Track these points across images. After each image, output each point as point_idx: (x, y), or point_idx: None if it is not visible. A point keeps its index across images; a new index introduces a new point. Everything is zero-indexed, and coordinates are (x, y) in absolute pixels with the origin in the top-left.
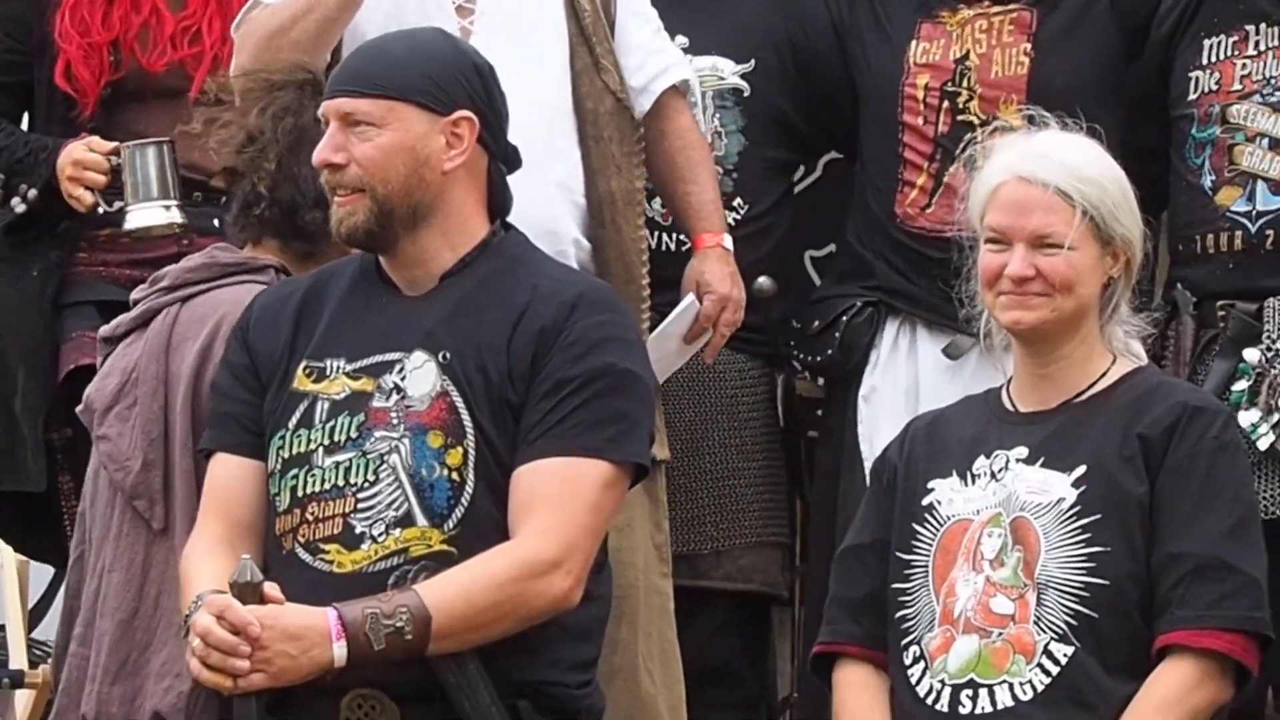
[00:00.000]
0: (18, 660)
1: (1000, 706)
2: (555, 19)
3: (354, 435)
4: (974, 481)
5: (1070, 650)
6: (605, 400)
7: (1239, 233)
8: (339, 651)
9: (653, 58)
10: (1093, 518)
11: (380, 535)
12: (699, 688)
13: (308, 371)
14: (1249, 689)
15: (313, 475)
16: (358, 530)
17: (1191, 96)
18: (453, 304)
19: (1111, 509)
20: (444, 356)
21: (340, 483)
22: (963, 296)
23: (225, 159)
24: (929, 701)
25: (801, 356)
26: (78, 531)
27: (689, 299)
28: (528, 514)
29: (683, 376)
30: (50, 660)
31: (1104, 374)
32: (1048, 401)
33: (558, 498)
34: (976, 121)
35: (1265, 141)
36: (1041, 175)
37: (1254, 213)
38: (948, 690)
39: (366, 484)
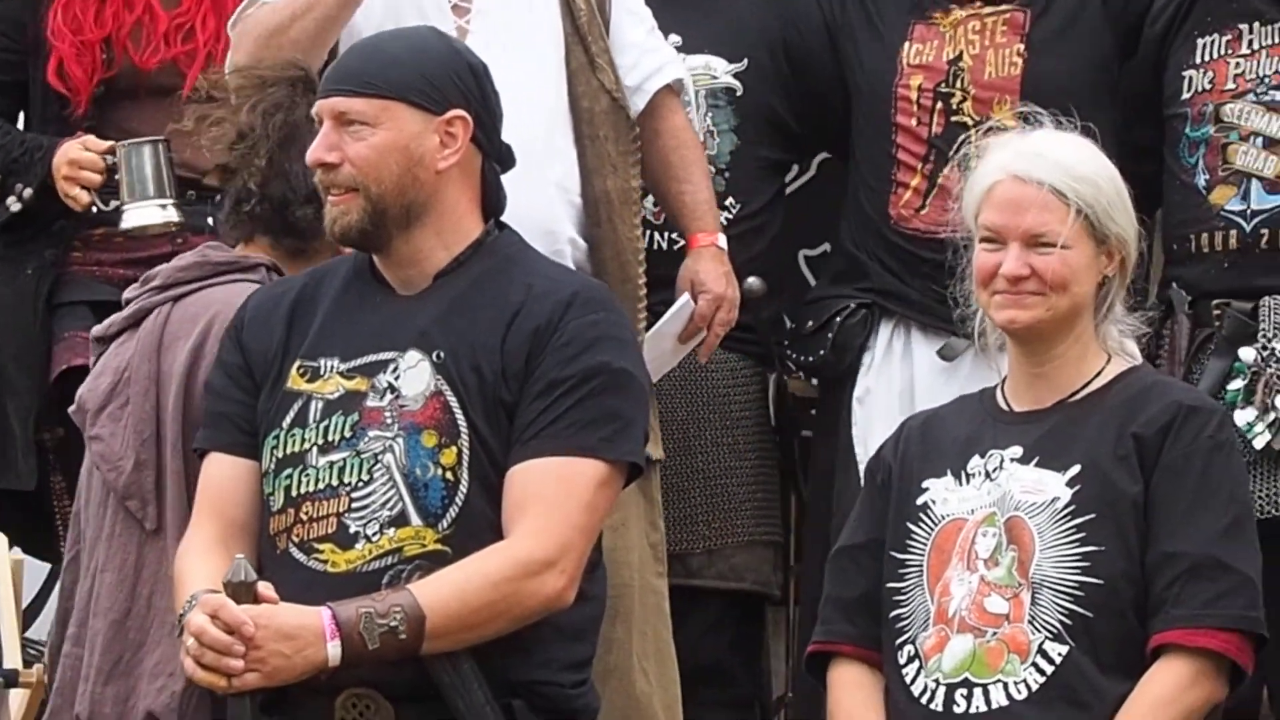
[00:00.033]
0: (12, 660)
1: (995, 706)
2: (551, 18)
3: (348, 435)
4: (968, 481)
5: (1065, 649)
6: (599, 399)
7: (1234, 232)
8: (333, 651)
9: (647, 57)
10: (1087, 517)
11: (374, 535)
12: (692, 687)
13: (301, 371)
14: (1244, 688)
15: (307, 475)
16: (352, 530)
17: (1185, 95)
18: (447, 303)
19: (1106, 508)
20: (438, 356)
21: (334, 482)
22: (957, 296)
23: (218, 156)
24: (923, 701)
25: (795, 356)
26: (72, 531)
27: (684, 298)
28: (522, 513)
29: (675, 375)
30: (45, 659)
31: (1099, 373)
32: (1042, 401)
33: (552, 497)
34: (970, 123)
35: (1259, 140)
36: (1036, 174)
37: (1248, 212)
38: (942, 689)
39: (361, 483)
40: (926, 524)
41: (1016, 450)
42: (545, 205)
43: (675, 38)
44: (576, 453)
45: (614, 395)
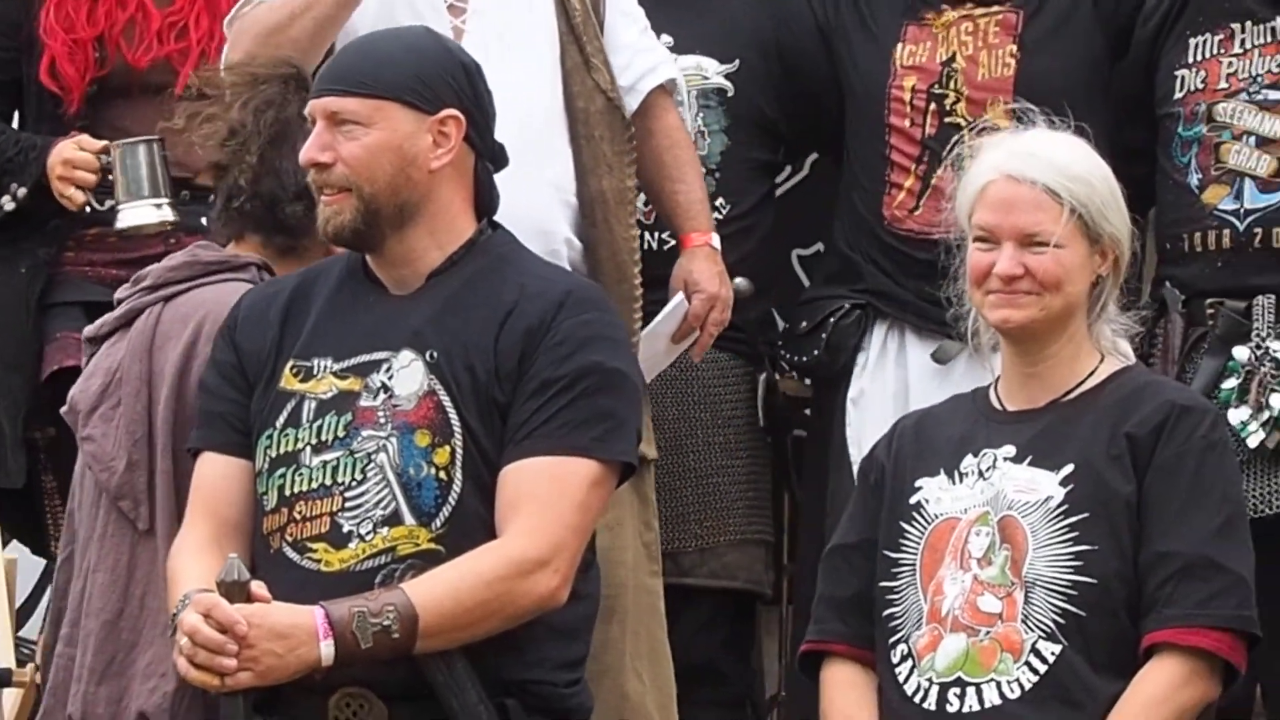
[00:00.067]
0: (5, 659)
1: (988, 705)
2: (546, 18)
3: (341, 434)
4: (962, 480)
5: (1058, 649)
6: (592, 399)
7: (1227, 231)
8: (326, 650)
9: (640, 57)
10: (1080, 516)
11: (368, 534)
12: (684, 686)
13: (295, 371)
14: (1236, 688)
15: (300, 474)
16: (345, 529)
17: (1177, 95)
18: (440, 303)
19: (1099, 508)
20: (431, 355)
21: (328, 482)
22: (950, 296)
23: (210, 153)
24: (916, 700)
25: (789, 356)
26: (66, 531)
27: (678, 298)
28: (515, 513)
29: (666, 374)
30: (40, 658)
31: (1092, 373)
32: (1036, 400)
33: (545, 496)
34: (964, 124)
35: (1252, 139)
36: (1029, 173)
37: (1242, 211)
38: (935, 689)
39: (354, 483)
40: (920, 523)
41: (1010, 449)
42: (541, 205)
43: (667, 38)
44: (569, 452)
45: (607, 395)
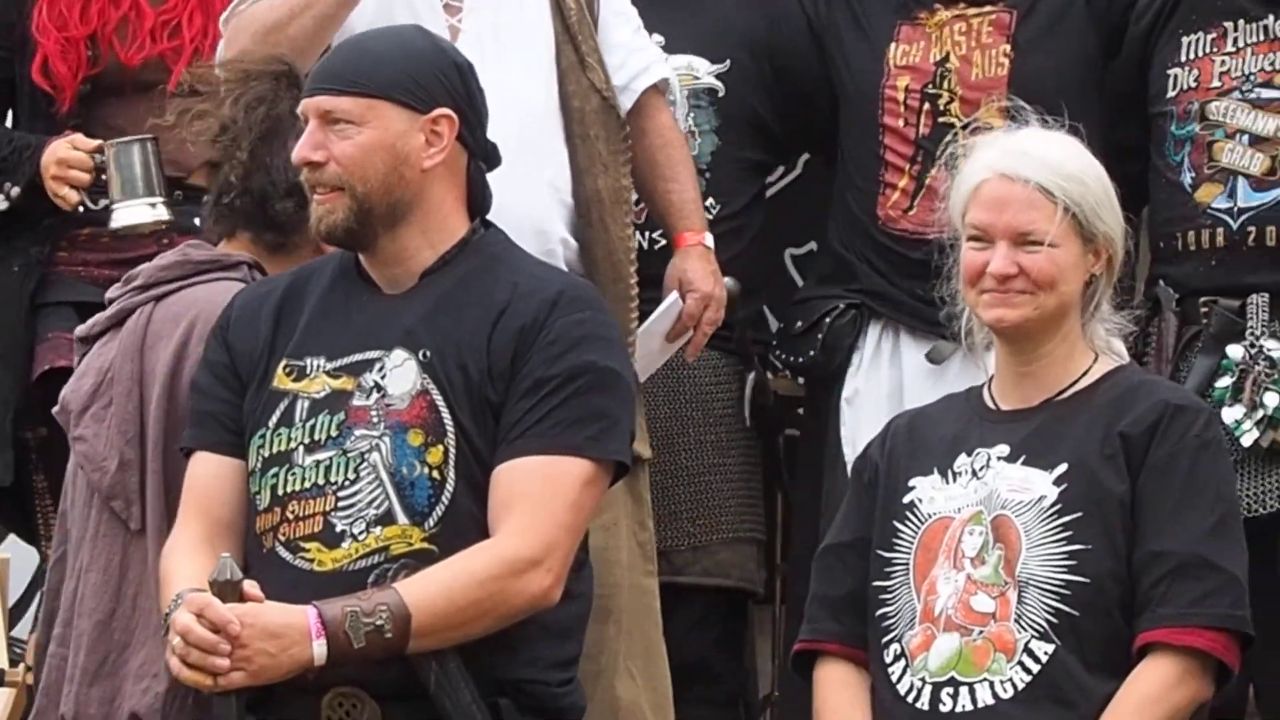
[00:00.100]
0: None
1: (981, 704)
2: (541, 17)
3: (334, 434)
4: (955, 479)
5: (1051, 648)
6: (585, 398)
7: (1220, 229)
8: (319, 650)
9: (634, 56)
10: (1074, 516)
11: (361, 533)
12: (677, 684)
13: (288, 370)
14: (1230, 687)
15: (293, 474)
16: (338, 529)
17: (1170, 94)
18: (433, 302)
19: (1093, 507)
20: (424, 355)
21: (321, 481)
22: (943, 296)
23: (203, 151)
24: (909, 699)
25: (784, 356)
26: (58, 531)
27: (672, 297)
28: (508, 512)
29: (658, 373)
30: (31, 658)
31: (1085, 372)
32: (1029, 400)
33: (538, 496)
34: (958, 123)
35: (1245, 138)
36: (1023, 172)
37: (1235, 209)
38: (928, 688)
39: (347, 482)
40: (913, 522)
41: (1003, 449)
42: (538, 205)
43: (658, 37)
44: (562, 451)
45: (600, 394)
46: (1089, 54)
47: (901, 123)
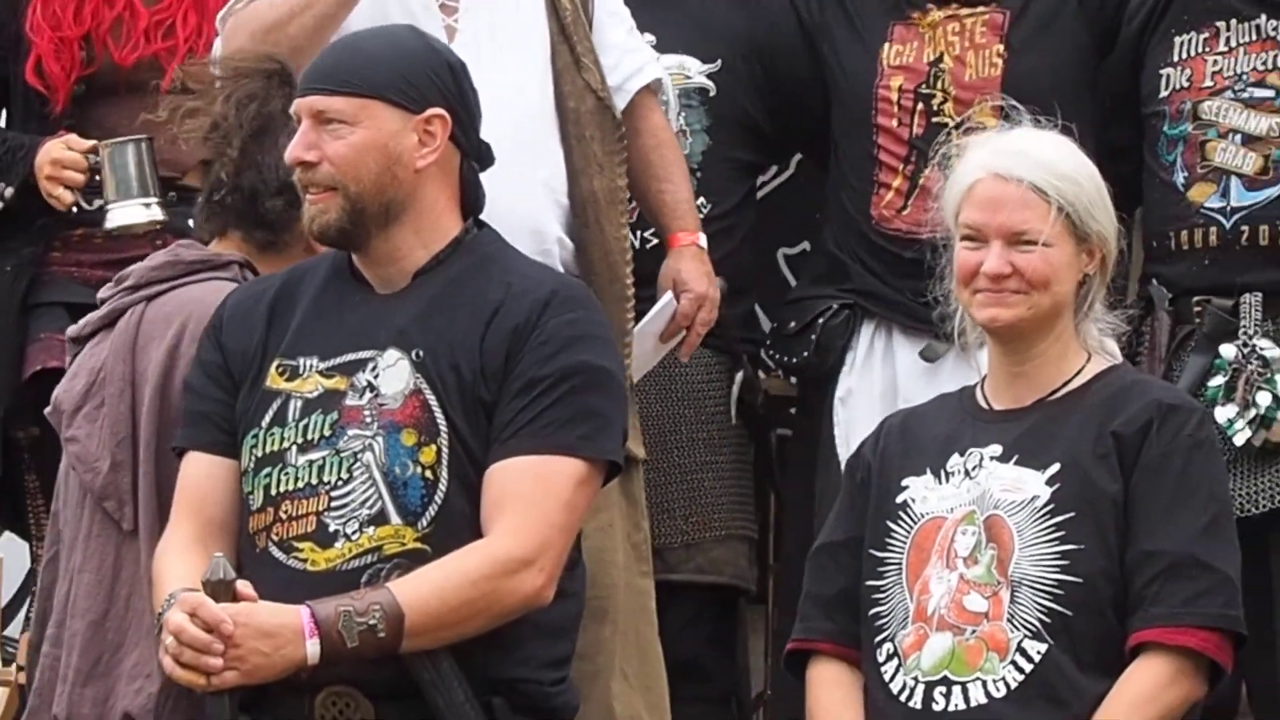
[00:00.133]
0: None
1: (973, 704)
2: (537, 17)
3: (327, 433)
4: (948, 479)
5: (1044, 647)
6: (578, 398)
7: (1213, 229)
8: (312, 649)
9: (628, 57)
10: (1066, 515)
11: (354, 533)
12: (670, 682)
13: (281, 370)
14: (1223, 686)
15: (286, 473)
16: (331, 528)
17: (1163, 94)
18: (425, 302)
19: (1085, 506)
20: (417, 354)
21: (314, 481)
22: (937, 296)
23: (197, 150)
24: (902, 698)
25: (776, 356)
26: (50, 531)
27: (667, 297)
28: (500, 512)
29: (650, 371)
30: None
31: (1078, 372)
32: (1022, 399)
33: (530, 495)
34: (951, 124)
35: (1238, 137)
36: (1017, 172)
37: (1228, 209)
38: (921, 687)
39: (340, 482)
40: (906, 522)
41: (996, 449)
42: (533, 205)
43: (650, 36)
44: (555, 451)
45: (593, 394)
46: (1082, 54)
47: (895, 123)
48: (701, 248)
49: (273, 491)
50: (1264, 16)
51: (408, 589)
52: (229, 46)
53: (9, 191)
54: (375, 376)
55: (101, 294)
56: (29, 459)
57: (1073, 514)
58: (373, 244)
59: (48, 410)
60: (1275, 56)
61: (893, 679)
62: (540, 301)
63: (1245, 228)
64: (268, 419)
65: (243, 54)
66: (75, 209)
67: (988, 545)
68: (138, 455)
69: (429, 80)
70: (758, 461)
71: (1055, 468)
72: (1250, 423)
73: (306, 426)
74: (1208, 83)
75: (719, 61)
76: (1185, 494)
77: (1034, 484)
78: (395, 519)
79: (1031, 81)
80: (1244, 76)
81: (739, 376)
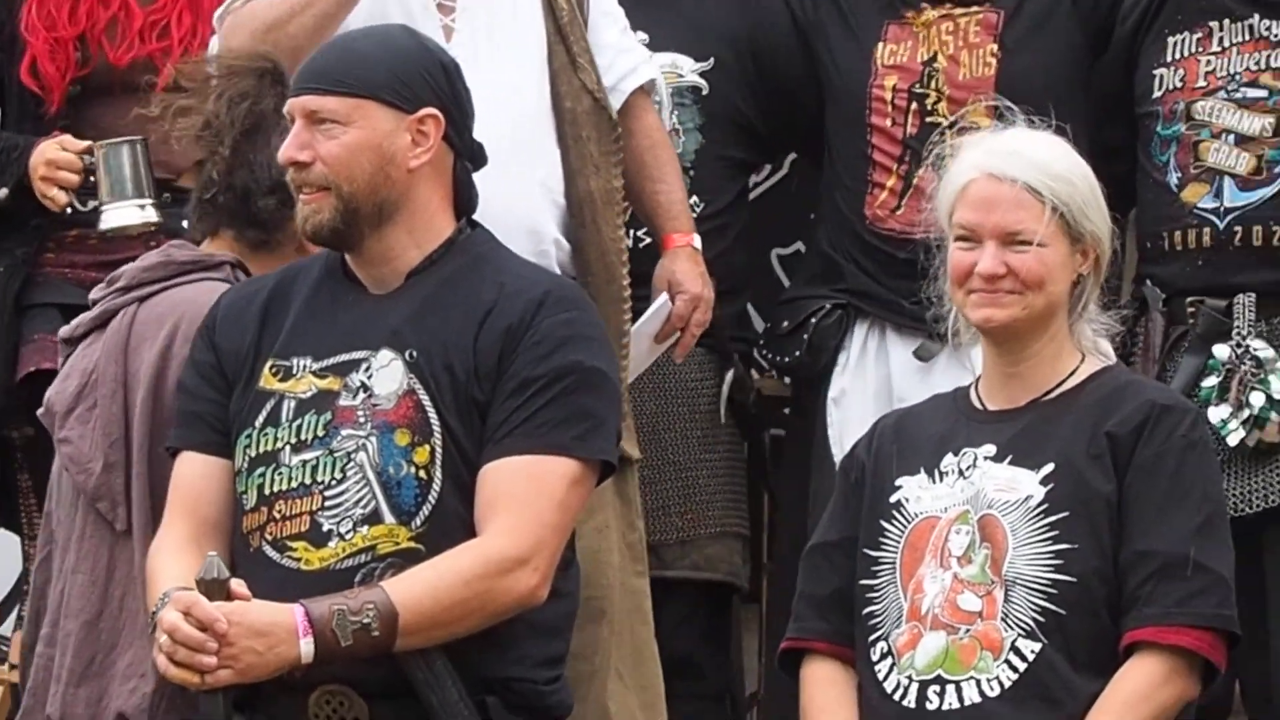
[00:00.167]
0: None
1: (967, 703)
2: (534, 18)
3: (321, 434)
4: (942, 479)
5: (1038, 647)
6: (572, 398)
7: (1207, 229)
8: (306, 648)
9: (622, 57)
10: (1060, 515)
11: (348, 533)
12: (665, 679)
13: (274, 370)
14: (1216, 686)
15: (280, 473)
16: (325, 528)
17: (1156, 94)
18: (419, 302)
19: (1079, 506)
20: (410, 355)
21: (307, 481)
22: (930, 296)
23: (190, 150)
24: (896, 697)
25: (769, 356)
26: (44, 531)
27: (662, 298)
28: (494, 511)
29: (644, 369)
30: (17, 657)
31: (1072, 372)
32: (1016, 400)
33: (524, 495)
34: (945, 123)
35: (1231, 138)
36: (1011, 172)
37: (1222, 209)
38: (915, 686)
39: (334, 482)
40: (900, 521)
41: (990, 448)
42: (530, 205)
43: (643, 35)
44: (548, 451)
45: (586, 394)
46: (1076, 54)
47: (889, 122)
48: (696, 249)
49: (266, 491)
50: (1257, 16)
51: (401, 588)
52: (227, 45)
53: (3, 192)
54: (369, 377)
55: (93, 295)
56: (22, 459)
57: (1066, 514)
58: (366, 244)
59: (40, 412)
60: (1268, 56)
61: (887, 678)
62: (534, 301)
63: (1239, 228)
64: (261, 419)
65: (236, 52)
66: (70, 210)
67: (981, 545)
68: (131, 456)
69: (422, 80)
70: (751, 461)
71: (1049, 468)
72: (1244, 423)
73: (300, 427)
74: (1201, 83)
75: (712, 60)
76: (1179, 494)
77: (1028, 484)
78: (389, 519)
79: (1025, 81)
80: (1237, 77)
81: (729, 376)
